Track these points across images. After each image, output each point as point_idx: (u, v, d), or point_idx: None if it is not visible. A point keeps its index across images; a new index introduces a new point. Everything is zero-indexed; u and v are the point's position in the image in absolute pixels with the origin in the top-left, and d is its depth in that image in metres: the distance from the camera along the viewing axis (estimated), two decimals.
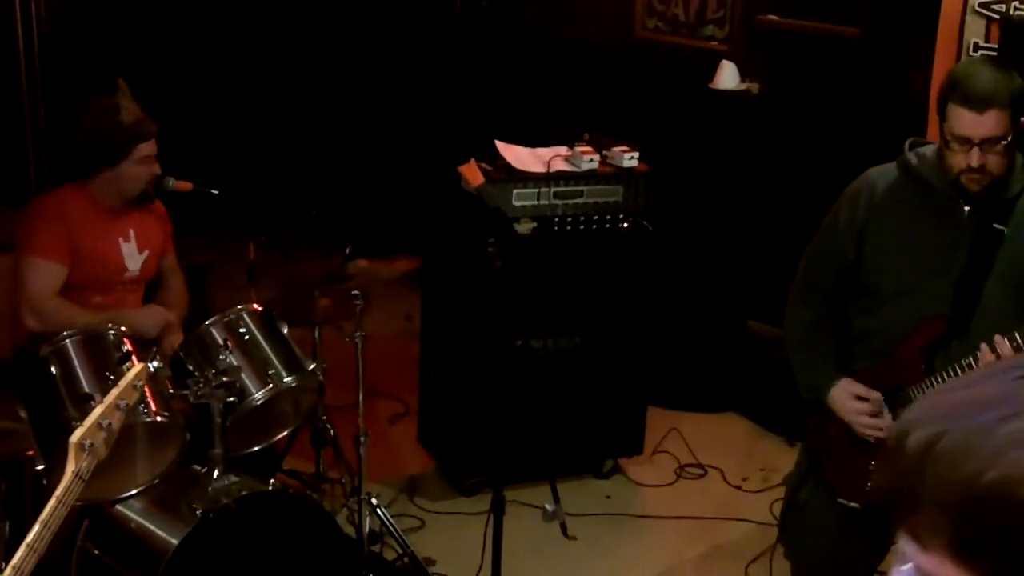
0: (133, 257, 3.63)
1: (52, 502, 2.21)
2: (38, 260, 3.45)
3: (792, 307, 2.96)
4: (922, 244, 2.69)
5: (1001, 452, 0.78)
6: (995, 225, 2.61)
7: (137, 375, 2.42)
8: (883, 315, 2.75)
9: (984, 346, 2.51)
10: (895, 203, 2.74)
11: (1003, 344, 2.47)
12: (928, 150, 2.73)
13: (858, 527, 2.84)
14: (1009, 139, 2.55)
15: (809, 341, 2.89)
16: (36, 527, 2.19)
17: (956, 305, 2.65)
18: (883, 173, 2.79)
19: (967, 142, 2.52)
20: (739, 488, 4.58)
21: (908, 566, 0.84)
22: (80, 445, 2.27)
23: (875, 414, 2.72)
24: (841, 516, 2.83)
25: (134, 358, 3.13)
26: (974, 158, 2.52)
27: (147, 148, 3.53)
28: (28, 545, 2.16)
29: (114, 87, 3.55)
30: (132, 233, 3.63)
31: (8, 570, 2.12)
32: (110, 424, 2.32)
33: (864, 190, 2.79)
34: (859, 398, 2.74)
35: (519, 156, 4.26)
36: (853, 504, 2.78)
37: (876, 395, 2.72)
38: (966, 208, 2.63)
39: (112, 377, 3.01)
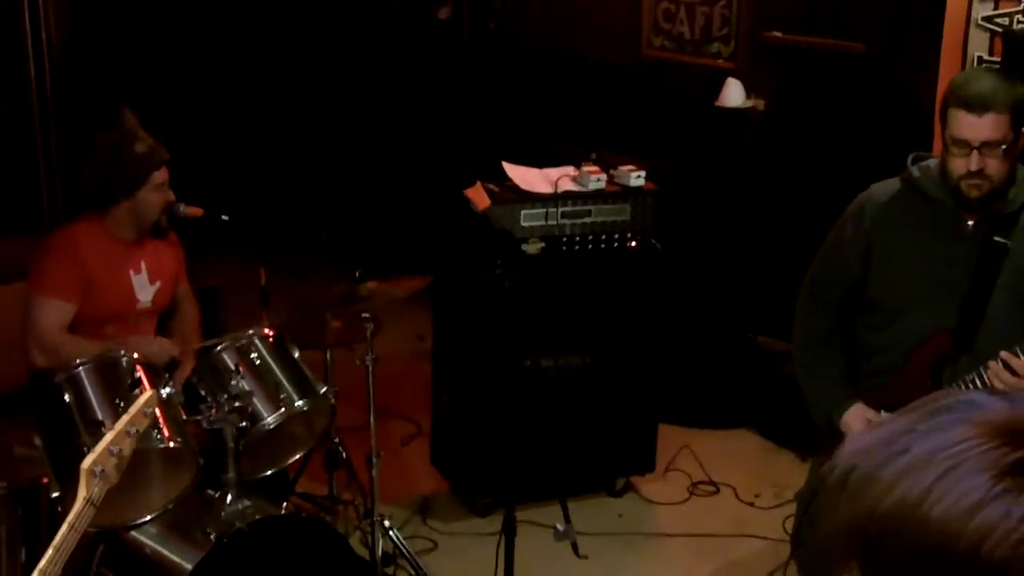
0: (144, 289, 3.66)
1: (64, 528, 2.23)
2: (45, 299, 3.47)
3: (800, 323, 2.97)
4: (926, 258, 2.70)
5: (895, 482, 0.82)
6: (997, 239, 2.62)
7: (147, 401, 2.44)
8: (889, 331, 2.76)
9: (992, 363, 2.52)
10: (899, 217, 2.75)
11: (1014, 360, 2.48)
12: (931, 163, 2.75)
13: None
14: (1008, 145, 2.56)
15: (817, 361, 2.90)
16: (49, 552, 2.21)
17: (962, 320, 2.66)
18: (886, 188, 2.81)
19: (966, 145, 2.55)
20: (752, 505, 4.58)
21: None
22: (91, 471, 2.29)
23: None
24: None
25: (145, 384, 3.16)
26: (973, 162, 2.54)
27: (160, 176, 3.57)
28: (41, 571, 2.18)
29: (119, 117, 3.58)
30: (144, 265, 3.66)
31: None
32: (121, 450, 2.34)
33: (868, 205, 2.80)
34: (870, 423, 2.73)
35: (527, 177, 4.28)
36: None
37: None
38: (970, 222, 2.65)
39: (123, 404, 3.04)
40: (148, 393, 2.46)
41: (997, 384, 2.54)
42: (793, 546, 3.12)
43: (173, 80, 6.87)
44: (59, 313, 3.47)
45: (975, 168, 2.55)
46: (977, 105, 2.52)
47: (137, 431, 2.40)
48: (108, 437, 2.34)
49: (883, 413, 2.73)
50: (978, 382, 2.55)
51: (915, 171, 2.75)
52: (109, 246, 3.58)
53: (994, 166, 2.56)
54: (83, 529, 2.28)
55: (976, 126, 2.53)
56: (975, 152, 2.54)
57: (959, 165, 2.57)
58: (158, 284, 3.69)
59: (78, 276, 3.49)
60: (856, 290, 2.82)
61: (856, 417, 2.77)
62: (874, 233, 2.77)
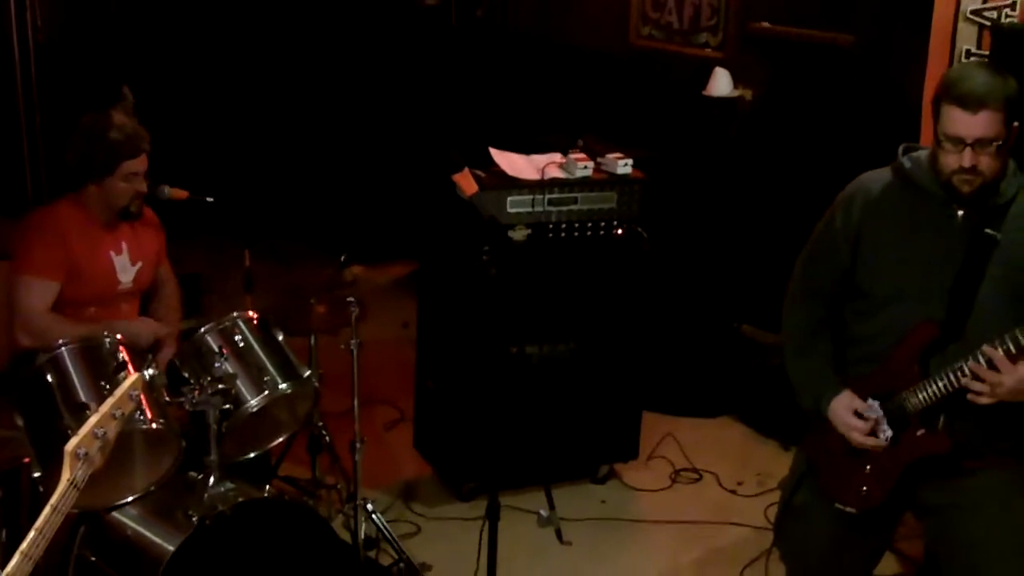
0: (126, 270, 3.64)
1: (47, 510, 2.22)
2: (31, 279, 3.45)
3: (789, 312, 2.96)
4: (916, 249, 2.70)
5: None
6: (988, 231, 2.62)
7: (132, 384, 2.43)
8: (878, 320, 2.76)
9: (972, 363, 2.53)
10: (889, 208, 2.75)
11: (995, 355, 2.50)
12: (922, 155, 2.74)
13: (853, 531, 2.86)
14: (1001, 142, 2.56)
15: (807, 349, 2.90)
16: (31, 534, 2.20)
17: (951, 310, 2.65)
18: (877, 178, 2.80)
19: (960, 142, 2.54)
20: (734, 492, 4.59)
21: None
22: (75, 454, 2.28)
23: (873, 429, 2.73)
24: (836, 520, 2.84)
25: (130, 367, 3.14)
26: (966, 159, 2.54)
27: (133, 165, 3.52)
28: (23, 552, 2.17)
29: (119, 94, 3.56)
30: (124, 246, 3.64)
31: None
32: (105, 433, 2.33)
33: (859, 194, 2.80)
34: (857, 413, 2.74)
35: (514, 163, 4.28)
36: (849, 509, 2.80)
37: (875, 412, 2.73)
38: (960, 213, 2.64)
39: (108, 386, 3.03)
40: (134, 376, 2.45)
41: (977, 386, 2.54)
42: (775, 534, 3.13)
43: (159, 63, 6.84)
44: (44, 293, 3.44)
45: (968, 165, 2.54)
46: (972, 103, 2.51)
47: (122, 414, 2.38)
48: (93, 420, 2.33)
49: (870, 401, 2.74)
50: (966, 369, 2.55)
51: (906, 162, 2.74)
52: (89, 227, 3.56)
53: (986, 163, 2.55)
54: (66, 511, 2.27)
55: (970, 124, 2.52)
56: (968, 149, 2.53)
57: (951, 161, 2.57)
58: (139, 265, 3.68)
59: (62, 255, 3.47)
60: (846, 279, 2.82)
61: (843, 405, 2.77)
62: (864, 222, 2.77)
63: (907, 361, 2.69)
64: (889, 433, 2.71)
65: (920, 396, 2.66)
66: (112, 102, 3.57)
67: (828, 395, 2.80)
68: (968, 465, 2.71)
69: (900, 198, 2.73)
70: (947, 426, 2.67)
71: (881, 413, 2.73)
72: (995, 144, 2.54)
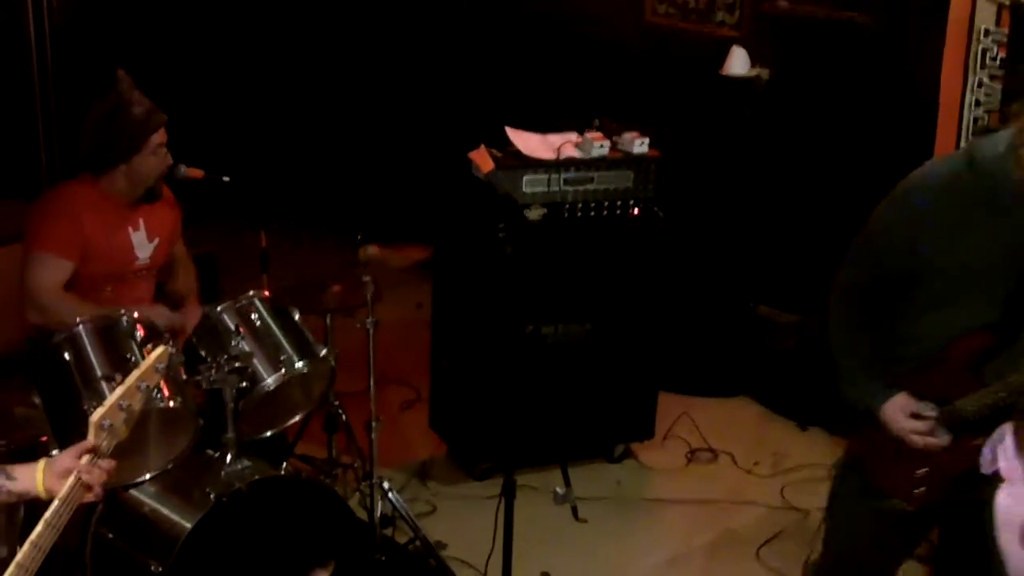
0: (143, 246, 3.64)
1: (71, 480, 2.23)
2: (44, 255, 3.44)
3: (837, 304, 2.79)
4: (978, 247, 2.51)
5: None
6: None
7: (159, 357, 2.42)
8: (930, 320, 2.62)
9: None
10: (954, 200, 2.51)
11: None
12: (999, 140, 2.48)
13: (892, 530, 2.80)
14: None
15: (855, 345, 2.76)
16: (55, 504, 2.20)
17: (1007, 314, 2.52)
18: (944, 164, 2.59)
19: None
20: (750, 472, 4.59)
21: None
22: (100, 424, 2.28)
23: (930, 431, 2.65)
24: (878, 516, 2.76)
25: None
26: None
27: (158, 138, 3.53)
28: (46, 522, 2.18)
29: (114, 78, 3.55)
30: (142, 222, 3.64)
31: (26, 546, 2.14)
32: (130, 405, 2.33)
33: (920, 185, 2.58)
34: (914, 415, 2.66)
35: (529, 143, 4.26)
36: (903, 506, 2.71)
37: (932, 413, 2.65)
38: None
39: (132, 358, 3.04)
40: (160, 349, 2.44)
41: None
42: (827, 515, 3.01)
43: (174, 42, 6.83)
44: (56, 270, 3.44)
45: None
46: None
47: (148, 387, 2.38)
48: (119, 391, 2.32)
49: (926, 403, 2.65)
50: None
51: (980, 149, 2.50)
52: (106, 206, 3.55)
53: None
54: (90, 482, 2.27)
55: None
56: None
57: None
58: (156, 241, 3.68)
59: (75, 235, 3.46)
60: (899, 274, 2.63)
61: (899, 407, 2.66)
62: (926, 216, 2.53)
63: (960, 367, 2.59)
64: (947, 437, 2.64)
65: (978, 404, 2.56)
66: (110, 87, 3.53)
67: (881, 396, 2.68)
68: None
69: (967, 189, 2.49)
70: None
71: (937, 415, 2.64)
72: None
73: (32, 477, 2.27)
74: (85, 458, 2.26)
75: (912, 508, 2.71)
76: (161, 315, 3.57)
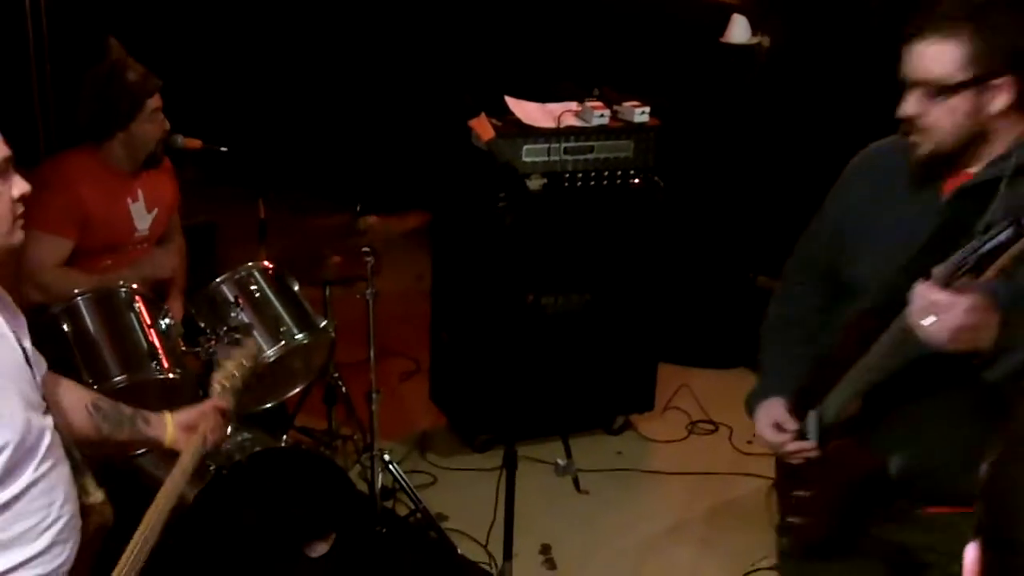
0: (142, 217, 3.61)
1: (200, 433, 2.37)
2: (43, 234, 3.41)
3: (774, 297, 2.52)
4: (891, 231, 2.15)
5: None
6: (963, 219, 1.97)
7: (254, 353, 2.66)
8: (840, 310, 2.26)
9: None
10: (878, 182, 2.21)
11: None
12: None
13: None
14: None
15: (770, 340, 2.48)
16: (187, 456, 2.32)
17: (895, 298, 2.01)
18: (882, 146, 2.27)
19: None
20: (749, 443, 4.58)
21: None
22: (222, 386, 2.50)
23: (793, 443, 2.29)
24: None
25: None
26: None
27: (154, 102, 3.50)
28: (183, 470, 2.30)
29: (105, 46, 3.51)
30: (140, 193, 3.61)
31: (162, 494, 2.23)
32: (235, 377, 2.55)
33: (856, 168, 2.30)
34: (778, 426, 2.32)
35: (529, 111, 4.23)
36: (784, 546, 2.41)
37: (792, 425, 2.29)
38: (944, 195, 2.07)
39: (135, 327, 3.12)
40: (252, 349, 2.66)
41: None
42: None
43: (170, 10, 6.77)
44: (55, 248, 3.41)
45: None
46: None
47: (245, 368, 2.60)
48: (230, 363, 2.57)
49: (792, 417, 2.30)
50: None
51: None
52: (105, 177, 3.52)
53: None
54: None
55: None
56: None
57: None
58: (155, 212, 3.65)
59: (75, 211, 3.43)
60: (828, 266, 2.32)
61: (766, 413, 2.34)
62: (852, 202, 2.25)
63: (847, 356, 2.15)
64: (812, 443, 2.25)
65: (839, 397, 2.17)
66: (101, 57, 3.49)
67: (758, 398, 2.37)
68: (929, 512, 2.17)
69: (894, 170, 2.15)
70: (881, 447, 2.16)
71: (813, 426, 2.26)
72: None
73: (163, 426, 2.40)
74: (212, 416, 2.41)
75: (792, 546, 2.37)
76: (165, 258, 3.58)
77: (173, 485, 2.26)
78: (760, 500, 4.13)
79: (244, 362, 2.59)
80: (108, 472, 3.16)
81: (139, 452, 3.16)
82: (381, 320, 3.74)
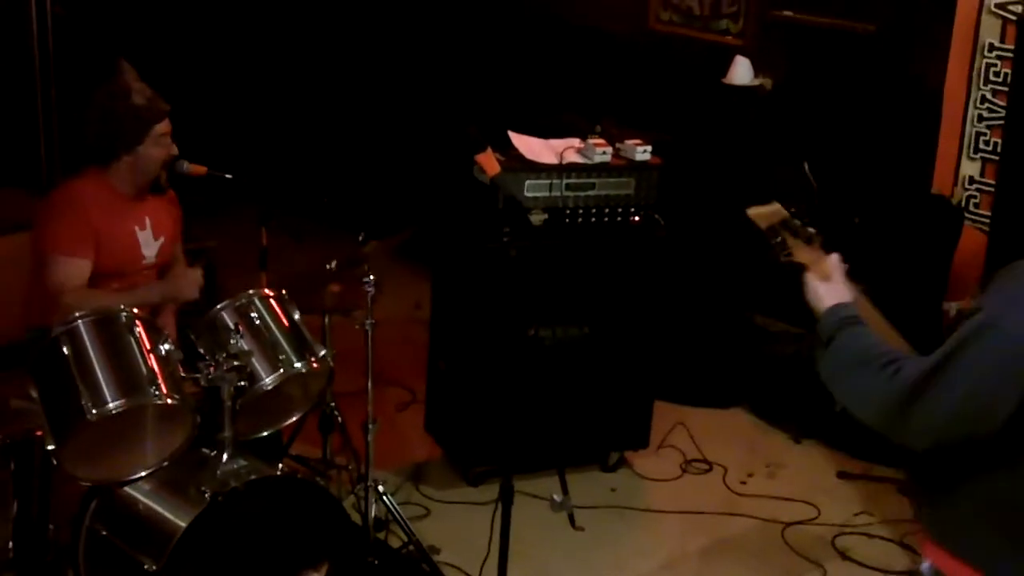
0: (149, 244, 3.62)
1: None
2: (61, 257, 3.41)
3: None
4: None
5: None
6: None
7: None
8: None
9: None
10: None
11: None
12: None
13: None
14: None
15: None
16: None
17: None
18: None
19: None
20: (744, 484, 4.58)
21: None
22: None
23: None
24: None
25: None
26: None
27: (162, 127, 3.52)
28: None
29: (116, 68, 3.52)
30: (148, 220, 3.62)
31: None
32: None
33: None
34: None
35: (532, 147, 4.26)
36: None
37: None
38: None
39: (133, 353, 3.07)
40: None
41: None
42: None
43: (175, 36, 6.82)
44: (76, 270, 3.42)
45: None
46: None
47: None
48: None
49: None
50: None
51: None
52: (113, 202, 3.53)
53: None
54: None
55: None
56: None
57: None
58: (161, 239, 3.66)
59: (88, 233, 3.43)
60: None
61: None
62: None
63: None
64: None
65: None
66: (110, 77, 3.51)
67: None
68: None
69: None
70: None
71: None
72: None
73: None
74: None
75: None
76: (193, 278, 3.59)
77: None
78: (753, 540, 4.14)
79: None
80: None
81: (130, 480, 3.16)
82: (378, 348, 3.74)
